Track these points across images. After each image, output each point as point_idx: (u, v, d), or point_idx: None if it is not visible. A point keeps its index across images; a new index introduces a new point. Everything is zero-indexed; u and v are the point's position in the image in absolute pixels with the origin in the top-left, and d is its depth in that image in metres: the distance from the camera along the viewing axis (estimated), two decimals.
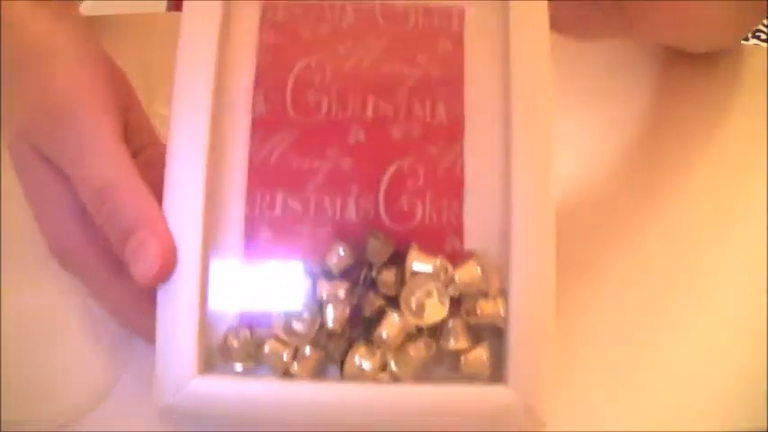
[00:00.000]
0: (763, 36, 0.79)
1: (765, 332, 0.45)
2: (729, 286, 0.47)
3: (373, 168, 0.39)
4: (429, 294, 0.37)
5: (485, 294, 0.38)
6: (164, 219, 0.37)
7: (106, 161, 0.38)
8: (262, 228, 0.38)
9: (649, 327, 0.46)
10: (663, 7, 0.45)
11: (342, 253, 0.38)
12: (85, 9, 0.98)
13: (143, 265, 0.36)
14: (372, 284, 0.38)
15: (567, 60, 0.52)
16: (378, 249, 0.38)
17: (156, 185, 0.37)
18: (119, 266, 0.39)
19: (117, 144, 0.39)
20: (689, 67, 0.57)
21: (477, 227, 0.39)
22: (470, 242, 0.39)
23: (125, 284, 0.39)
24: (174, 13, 0.82)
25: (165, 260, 0.36)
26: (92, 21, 0.50)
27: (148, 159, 0.41)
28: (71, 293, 0.44)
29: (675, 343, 0.45)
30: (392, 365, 0.37)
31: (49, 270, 0.43)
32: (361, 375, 0.37)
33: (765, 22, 0.73)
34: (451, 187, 0.39)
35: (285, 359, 0.37)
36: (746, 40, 0.89)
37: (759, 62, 0.58)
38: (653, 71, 0.57)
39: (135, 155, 0.40)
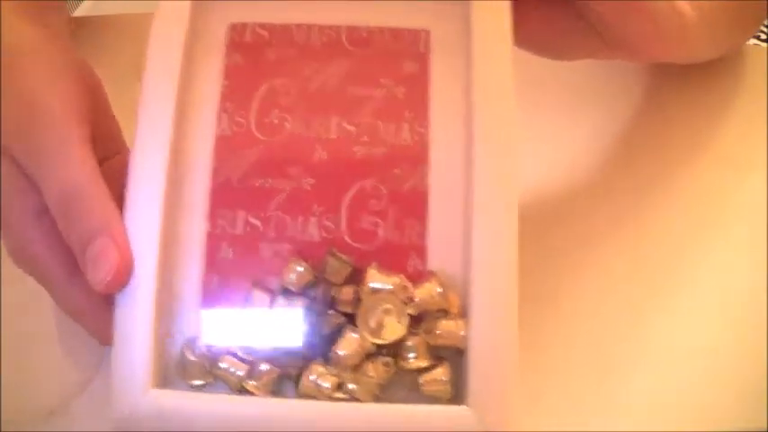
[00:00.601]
0: (763, 36, 0.79)
1: (765, 331, 0.44)
2: (730, 285, 0.47)
3: (336, 188, 0.39)
4: (387, 312, 0.37)
5: (446, 314, 0.37)
6: (124, 229, 0.37)
7: (73, 167, 0.39)
8: (222, 245, 0.38)
9: (648, 326, 0.46)
10: (643, 25, 0.45)
11: (300, 270, 0.38)
12: (85, 9, 1.00)
13: (99, 272, 0.36)
14: (331, 303, 0.37)
15: None
16: (336, 268, 0.38)
17: (120, 194, 0.38)
18: (78, 271, 0.39)
19: (85, 151, 0.39)
20: (688, 66, 0.57)
21: (440, 248, 0.38)
22: (433, 263, 0.38)
23: (84, 289, 0.39)
24: None
25: (121, 269, 0.36)
26: (79, 23, 0.51)
27: (115, 168, 0.41)
28: None
29: (674, 342, 0.45)
30: (349, 385, 0.37)
31: None
32: (317, 394, 0.36)
33: (765, 22, 0.72)
34: (415, 208, 0.39)
35: (241, 375, 0.37)
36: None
37: (759, 62, 0.58)
38: (651, 69, 0.58)
39: (102, 162, 0.40)
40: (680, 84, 0.57)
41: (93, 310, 0.40)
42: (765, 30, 0.78)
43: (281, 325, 0.37)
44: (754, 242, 0.49)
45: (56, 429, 0.43)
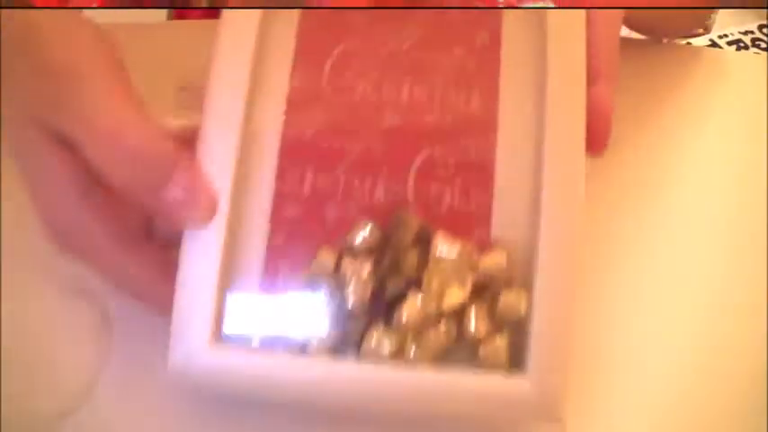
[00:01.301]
0: (763, 45, 0.80)
1: (765, 335, 0.44)
2: (729, 291, 0.47)
3: (405, 153, 0.39)
4: (451, 279, 0.37)
5: (508, 284, 0.37)
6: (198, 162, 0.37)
7: (125, 111, 0.37)
8: (289, 204, 0.39)
9: (647, 332, 0.45)
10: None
11: (367, 232, 0.38)
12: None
13: (190, 208, 0.36)
14: (396, 266, 0.38)
15: None
16: (403, 230, 0.38)
17: None
18: (129, 243, 0.39)
19: (132, 96, 0.37)
20: (690, 72, 0.58)
21: (505, 217, 0.39)
22: (498, 232, 0.38)
23: (141, 262, 0.39)
24: (174, 22, 0.82)
25: (210, 197, 0.37)
26: None
27: None
28: (51, 290, 0.46)
29: (673, 348, 0.45)
30: (410, 349, 0.37)
31: (31, 266, 0.45)
32: (378, 357, 0.37)
33: (766, 31, 0.73)
34: (482, 177, 0.39)
35: (302, 336, 0.37)
36: (746, 48, 0.89)
37: (759, 71, 0.58)
38: (653, 71, 0.58)
39: None
40: (681, 86, 0.57)
41: (152, 281, 0.39)
42: (765, 39, 0.79)
43: (345, 284, 0.37)
44: (755, 244, 0.49)
45: None
